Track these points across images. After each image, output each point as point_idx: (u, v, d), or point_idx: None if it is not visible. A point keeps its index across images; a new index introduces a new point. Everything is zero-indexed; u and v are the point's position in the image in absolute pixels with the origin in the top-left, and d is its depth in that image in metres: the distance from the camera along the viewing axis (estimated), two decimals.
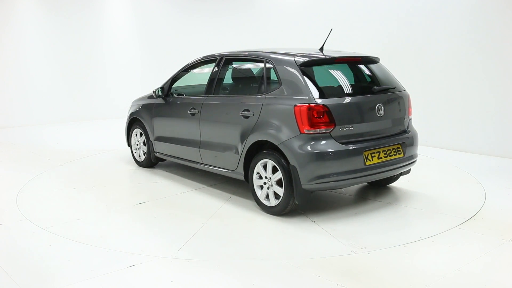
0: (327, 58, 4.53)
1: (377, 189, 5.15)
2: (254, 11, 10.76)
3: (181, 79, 5.86)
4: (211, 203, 4.80)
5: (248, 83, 5.11)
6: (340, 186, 4.29)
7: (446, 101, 7.38)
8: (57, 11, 10.64)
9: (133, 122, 6.43)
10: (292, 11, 9.83)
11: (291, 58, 4.39)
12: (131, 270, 3.28)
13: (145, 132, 6.16)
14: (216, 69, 5.21)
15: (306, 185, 4.09)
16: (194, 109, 5.26)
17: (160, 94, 5.82)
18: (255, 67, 5.02)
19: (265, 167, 4.41)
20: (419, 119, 7.76)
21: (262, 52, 4.79)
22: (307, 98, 4.10)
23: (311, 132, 4.05)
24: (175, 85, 5.86)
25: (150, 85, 11.53)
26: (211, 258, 3.52)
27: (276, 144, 4.25)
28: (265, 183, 4.44)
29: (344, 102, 4.24)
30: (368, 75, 4.78)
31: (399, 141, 4.49)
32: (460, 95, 7.19)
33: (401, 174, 4.88)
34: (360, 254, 3.51)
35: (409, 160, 4.62)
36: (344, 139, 4.14)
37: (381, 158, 4.30)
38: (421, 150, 7.22)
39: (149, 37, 11.77)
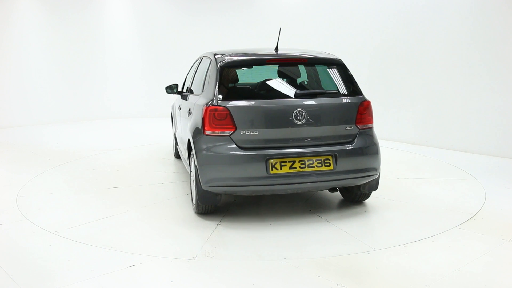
0: (254, 59, 4.49)
1: (345, 201, 4.75)
2: (255, 10, 10.76)
3: (188, 77, 6.08)
4: (167, 196, 5.02)
5: (201, 83, 5.14)
6: (239, 192, 4.10)
7: (446, 101, 7.38)
8: (57, 11, 10.64)
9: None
10: (292, 11, 9.82)
11: (218, 59, 4.39)
12: (131, 270, 3.29)
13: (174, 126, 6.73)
14: (197, 68, 5.45)
15: (204, 186, 4.03)
16: (180, 106, 5.67)
17: (170, 90, 5.96)
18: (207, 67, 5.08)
19: None
20: (419, 119, 7.77)
21: (213, 53, 4.83)
22: (213, 99, 4.10)
23: (213, 133, 4.02)
24: (187, 83, 6.06)
25: (150, 85, 11.56)
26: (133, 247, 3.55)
27: (191, 144, 4.29)
28: (193, 181, 4.42)
29: (250, 105, 4.04)
30: (308, 78, 4.58)
31: (328, 152, 4.03)
32: (460, 95, 7.19)
33: (360, 189, 4.39)
34: (360, 254, 3.52)
35: (347, 174, 4.08)
36: (247, 144, 3.97)
37: (294, 168, 3.94)
38: (422, 150, 7.25)
39: (149, 37, 11.76)
